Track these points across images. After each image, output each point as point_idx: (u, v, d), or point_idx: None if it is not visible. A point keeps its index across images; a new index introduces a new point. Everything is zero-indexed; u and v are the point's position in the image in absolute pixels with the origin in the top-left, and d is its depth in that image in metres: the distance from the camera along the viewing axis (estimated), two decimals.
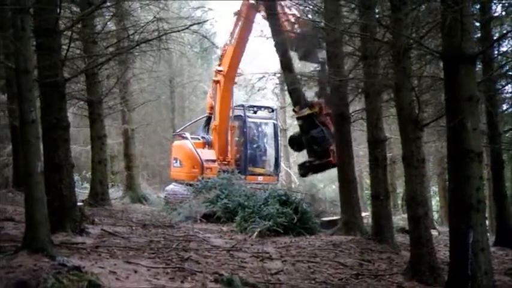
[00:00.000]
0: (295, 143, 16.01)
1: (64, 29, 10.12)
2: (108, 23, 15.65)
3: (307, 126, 14.73)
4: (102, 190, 17.04)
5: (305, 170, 15.74)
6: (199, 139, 19.89)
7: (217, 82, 20.01)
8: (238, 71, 20.09)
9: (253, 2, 17.55)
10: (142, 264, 7.59)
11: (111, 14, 15.30)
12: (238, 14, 18.52)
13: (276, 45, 15.15)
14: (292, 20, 15.17)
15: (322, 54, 14.32)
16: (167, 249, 9.28)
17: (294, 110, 15.26)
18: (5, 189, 16.94)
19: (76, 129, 21.95)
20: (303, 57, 15.65)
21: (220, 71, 19.87)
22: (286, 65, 15.07)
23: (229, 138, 19.81)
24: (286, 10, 15.58)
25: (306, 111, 14.59)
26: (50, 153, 9.47)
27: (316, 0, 13.65)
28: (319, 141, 14.44)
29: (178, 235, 11.36)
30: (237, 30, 18.54)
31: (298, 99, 15.01)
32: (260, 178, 19.45)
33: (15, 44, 7.41)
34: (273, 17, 15.25)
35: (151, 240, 10.14)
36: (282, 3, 15.57)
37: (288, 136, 17.56)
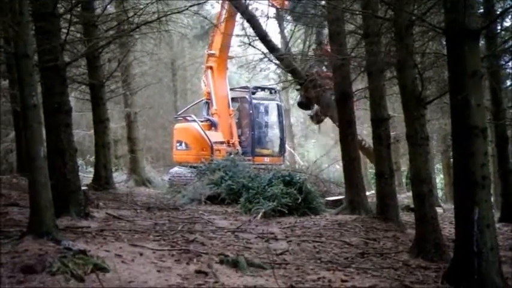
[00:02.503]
0: (304, 106, 16.95)
1: (63, 12, 10.08)
2: (108, 5, 15.57)
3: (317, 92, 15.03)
4: (106, 174, 17.06)
5: (317, 119, 16.79)
6: (204, 121, 19.82)
7: (209, 67, 19.97)
8: (230, 54, 20.13)
9: None
10: (147, 247, 7.60)
11: None
12: None
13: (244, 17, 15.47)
14: None
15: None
16: (172, 231, 9.30)
17: (299, 85, 15.48)
18: (9, 175, 16.97)
19: (79, 114, 21.98)
20: (298, 19, 15.71)
21: (213, 54, 19.81)
22: (261, 36, 15.28)
23: (230, 121, 19.79)
24: None
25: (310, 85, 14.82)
26: (52, 138, 9.47)
27: None
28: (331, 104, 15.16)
29: (183, 217, 11.39)
30: (224, 11, 18.42)
31: (298, 74, 15.26)
32: (266, 159, 19.52)
33: (14, 28, 7.38)
34: None
35: (156, 223, 10.18)
36: None
37: (296, 100, 17.72)
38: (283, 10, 15.57)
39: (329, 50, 14.90)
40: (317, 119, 16.15)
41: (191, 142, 19.32)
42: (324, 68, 14.57)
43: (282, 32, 16.72)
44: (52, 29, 9.27)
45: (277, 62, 16.26)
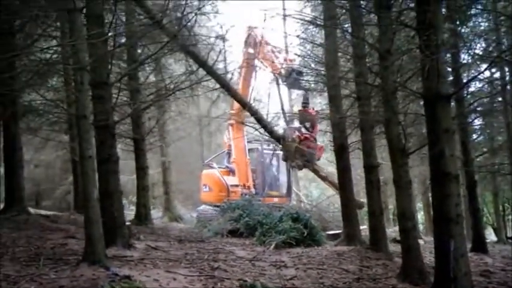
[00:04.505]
0: (287, 160, 16.40)
1: (114, 81, 10.28)
2: (149, 75, 15.87)
3: (298, 152, 14.81)
4: (145, 212, 17.05)
5: (299, 168, 16.52)
6: (224, 168, 19.93)
7: (230, 124, 20.13)
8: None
9: (251, 51, 17.84)
10: (180, 273, 7.58)
11: (152, 68, 15.55)
12: (240, 67, 18.72)
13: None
14: (281, 61, 15.65)
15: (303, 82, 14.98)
16: (200, 260, 9.25)
17: (282, 145, 15.36)
18: (68, 212, 17.04)
19: (124, 162, 22.00)
20: (291, 86, 15.83)
21: (233, 113, 19.98)
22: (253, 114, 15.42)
23: (246, 168, 19.81)
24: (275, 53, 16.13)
25: (294, 145, 14.69)
26: (103, 182, 9.49)
27: (318, 53, 13.81)
28: (311, 160, 14.83)
29: (209, 248, 11.31)
30: (241, 79, 18.60)
31: (279, 137, 15.22)
32: (276, 199, 19.41)
33: (75, 95, 7.57)
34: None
35: (187, 253, 10.11)
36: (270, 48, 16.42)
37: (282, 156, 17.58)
38: (279, 75, 15.75)
39: (311, 112, 15.10)
40: (299, 168, 16.15)
41: (212, 185, 19.34)
42: (302, 129, 14.59)
43: (279, 95, 16.82)
44: (105, 95, 9.43)
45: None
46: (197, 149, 32.84)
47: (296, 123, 16.53)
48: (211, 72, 14.91)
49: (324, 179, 18.51)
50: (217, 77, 15.90)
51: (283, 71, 15.59)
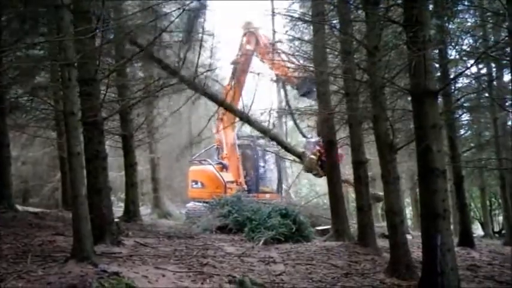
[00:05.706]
0: (309, 171, 16.14)
1: (102, 77, 10.21)
2: (137, 71, 15.77)
3: (320, 162, 14.77)
4: (134, 208, 16.97)
5: (319, 176, 16.05)
6: (217, 164, 19.75)
7: (221, 119, 20.04)
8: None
9: (250, 48, 17.74)
10: (169, 269, 7.58)
11: (140, 64, 15.47)
12: (235, 62, 18.60)
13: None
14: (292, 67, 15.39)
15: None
16: (189, 256, 9.25)
17: (303, 161, 15.35)
18: (56, 209, 16.93)
19: (112, 159, 21.87)
20: (304, 95, 15.81)
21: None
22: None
23: (238, 163, 19.76)
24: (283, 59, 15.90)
25: (315, 159, 14.69)
26: (91, 179, 9.45)
27: (307, 49, 13.81)
28: None
29: (198, 244, 11.30)
30: (233, 80, 18.47)
31: (300, 155, 15.23)
32: (267, 195, 19.44)
33: (63, 91, 7.52)
34: None
35: (176, 249, 10.09)
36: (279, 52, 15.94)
37: (302, 168, 17.40)
38: (285, 79, 15.65)
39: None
40: (319, 175, 16.08)
41: (206, 181, 19.15)
42: (321, 142, 14.52)
43: (286, 98, 16.82)
44: (93, 91, 9.38)
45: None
46: (186, 146, 32.76)
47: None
48: (227, 107, 14.94)
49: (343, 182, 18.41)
50: (237, 111, 15.91)
51: (292, 76, 15.44)
